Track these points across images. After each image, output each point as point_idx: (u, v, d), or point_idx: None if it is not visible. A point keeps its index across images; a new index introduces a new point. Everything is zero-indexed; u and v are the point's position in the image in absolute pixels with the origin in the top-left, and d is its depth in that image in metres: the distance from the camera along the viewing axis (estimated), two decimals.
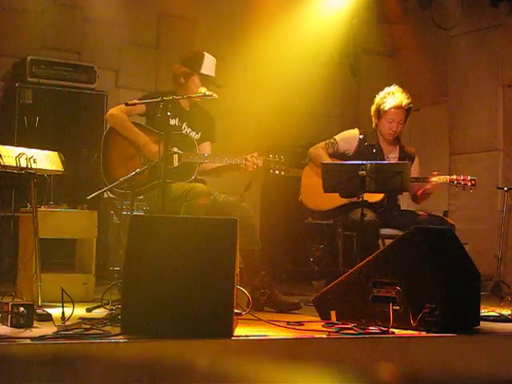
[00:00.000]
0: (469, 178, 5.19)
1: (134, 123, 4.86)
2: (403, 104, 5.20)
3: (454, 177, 5.23)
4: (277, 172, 4.83)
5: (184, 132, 4.93)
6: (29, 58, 6.29)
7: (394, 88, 5.28)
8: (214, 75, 4.96)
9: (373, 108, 5.34)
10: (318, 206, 5.36)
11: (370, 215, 4.92)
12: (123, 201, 5.19)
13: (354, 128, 5.49)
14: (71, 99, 6.43)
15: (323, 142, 5.41)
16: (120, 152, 4.81)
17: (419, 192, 5.25)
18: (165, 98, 4.37)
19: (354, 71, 8.03)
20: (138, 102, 4.72)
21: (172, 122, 4.88)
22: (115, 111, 4.86)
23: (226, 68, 7.56)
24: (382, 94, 5.29)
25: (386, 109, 5.22)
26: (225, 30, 7.32)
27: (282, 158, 4.84)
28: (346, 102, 8.39)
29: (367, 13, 7.81)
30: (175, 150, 4.72)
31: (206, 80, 4.90)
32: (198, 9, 7.39)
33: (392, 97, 5.22)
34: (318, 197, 5.17)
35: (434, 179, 5.19)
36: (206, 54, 4.97)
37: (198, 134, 4.99)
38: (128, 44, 7.27)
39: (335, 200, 5.21)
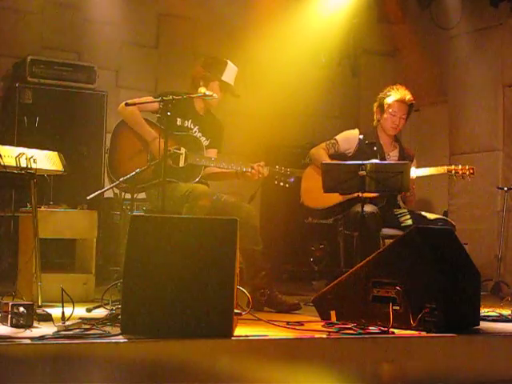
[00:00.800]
0: (467, 166, 5.22)
1: (144, 119, 4.88)
2: (406, 98, 5.30)
3: (452, 167, 5.27)
4: (281, 184, 4.82)
5: (194, 135, 4.93)
6: (29, 58, 6.28)
7: (397, 86, 5.39)
8: (233, 84, 4.97)
9: (375, 104, 5.42)
10: (318, 204, 5.37)
11: (371, 208, 4.94)
12: (125, 195, 5.20)
13: (354, 128, 5.52)
14: (71, 99, 6.42)
15: (324, 143, 5.43)
16: (128, 146, 4.80)
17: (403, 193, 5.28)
18: (165, 98, 4.36)
19: (354, 71, 8.03)
20: (137, 101, 4.73)
21: (184, 123, 4.89)
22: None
23: None
24: (385, 90, 5.40)
25: (390, 102, 5.30)
26: (225, 30, 7.32)
27: (289, 171, 4.83)
28: (346, 102, 8.39)
29: (367, 13, 7.81)
30: (182, 150, 4.73)
31: (224, 87, 4.93)
32: (198, 9, 7.38)
33: (395, 91, 5.34)
34: (319, 197, 5.18)
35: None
36: (229, 62, 4.98)
37: (207, 140, 4.99)
38: (128, 44, 7.26)
39: (336, 198, 5.23)
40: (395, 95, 5.30)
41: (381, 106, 5.36)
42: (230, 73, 4.95)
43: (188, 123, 4.92)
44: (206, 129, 4.99)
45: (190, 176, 4.77)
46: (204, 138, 4.97)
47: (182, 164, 4.74)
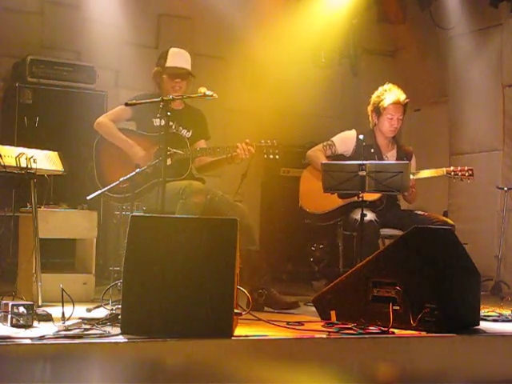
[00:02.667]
0: (466, 168, 5.21)
1: (125, 129, 4.91)
2: (401, 99, 5.27)
3: (451, 168, 5.25)
4: (271, 156, 4.80)
5: (174, 131, 4.92)
6: (29, 58, 6.28)
7: (388, 85, 5.33)
8: (183, 66, 4.90)
9: (370, 108, 5.37)
10: (317, 208, 5.34)
11: (370, 215, 4.93)
12: (123, 204, 5.20)
13: (351, 129, 5.49)
14: (71, 99, 6.41)
15: (321, 145, 5.42)
16: (113, 158, 4.83)
17: None
18: (165, 98, 4.35)
19: (354, 71, 8.02)
20: (138, 102, 4.70)
21: (161, 122, 4.86)
22: (102, 119, 4.93)
23: (226, 68, 7.58)
24: (377, 92, 5.34)
25: (386, 105, 5.26)
26: (225, 29, 7.31)
27: (275, 142, 4.81)
28: (346, 101, 8.38)
29: (367, 13, 7.80)
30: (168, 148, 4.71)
31: (176, 73, 4.87)
32: (197, 9, 7.37)
33: (389, 93, 5.28)
34: (318, 200, 5.18)
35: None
36: (172, 48, 4.96)
37: (189, 131, 4.99)
38: (128, 44, 7.25)
39: (335, 201, 5.22)
40: (390, 98, 5.24)
41: (377, 110, 5.30)
42: (174, 57, 4.90)
43: (163, 121, 4.89)
44: (185, 121, 4.98)
45: (180, 171, 4.77)
46: (185, 131, 4.97)
47: (169, 162, 4.74)
